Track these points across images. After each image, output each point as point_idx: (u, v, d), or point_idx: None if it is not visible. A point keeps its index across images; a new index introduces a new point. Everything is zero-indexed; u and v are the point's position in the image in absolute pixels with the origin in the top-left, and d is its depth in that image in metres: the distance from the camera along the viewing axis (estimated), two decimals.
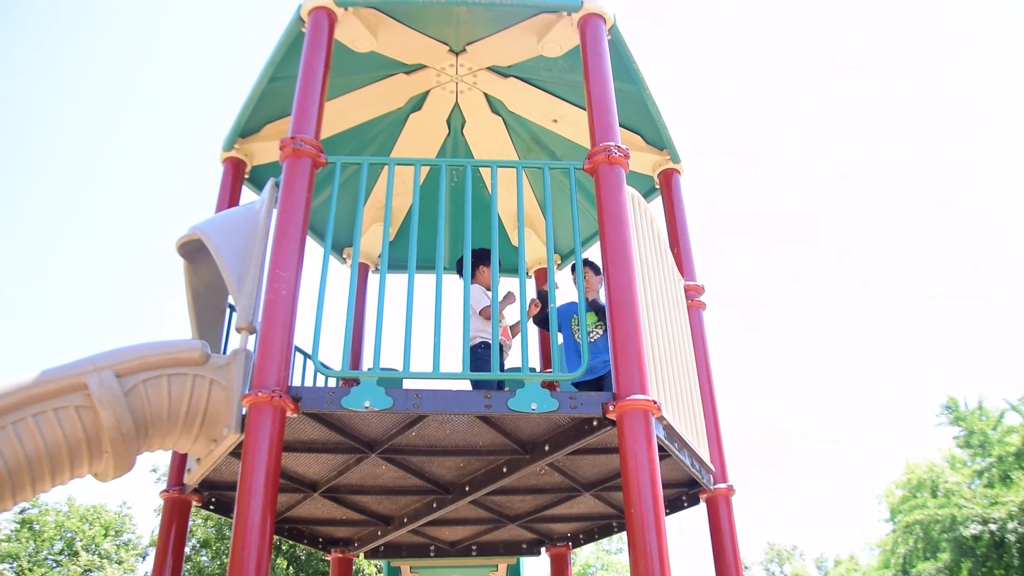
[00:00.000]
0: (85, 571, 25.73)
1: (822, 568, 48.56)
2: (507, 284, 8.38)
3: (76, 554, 25.81)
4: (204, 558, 23.08)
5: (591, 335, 5.53)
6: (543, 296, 5.99)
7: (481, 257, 5.70)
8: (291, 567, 22.20)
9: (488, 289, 5.66)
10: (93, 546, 27.26)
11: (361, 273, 7.47)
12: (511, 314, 5.86)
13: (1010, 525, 20.42)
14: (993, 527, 20.79)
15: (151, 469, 25.43)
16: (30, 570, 25.21)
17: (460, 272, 5.78)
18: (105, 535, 28.19)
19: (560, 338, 6.01)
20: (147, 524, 31.03)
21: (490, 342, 5.19)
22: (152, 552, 27.23)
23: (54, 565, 26.24)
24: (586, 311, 5.55)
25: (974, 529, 21.10)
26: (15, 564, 25.22)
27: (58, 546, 26.88)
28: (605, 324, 5.09)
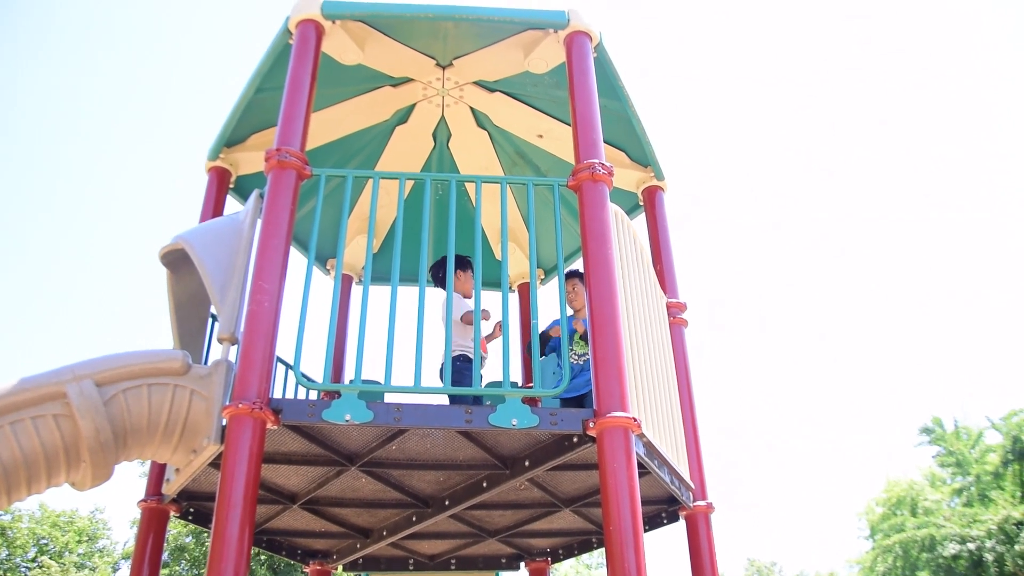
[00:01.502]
0: None
1: None
2: (489, 297, 8.40)
3: (43, 565, 25.52)
4: (183, 568, 22.85)
5: (582, 357, 5.56)
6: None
7: (460, 263, 5.71)
8: None
9: (466, 296, 5.69)
10: (67, 552, 26.99)
11: (344, 285, 7.47)
12: (487, 328, 5.85)
13: (988, 544, 20.53)
14: (971, 546, 20.89)
15: (139, 461, 25.18)
16: None
17: (435, 279, 5.80)
18: (79, 541, 27.92)
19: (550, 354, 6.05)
20: (122, 530, 30.76)
21: (470, 355, 5.21)
22: (124, 564, 27.02)
23: (25, 572, 25.96)
24: (578, 338, 5.60)
25: (953, 548, 21.20)
26: None
27: (32, 553, 26.61)
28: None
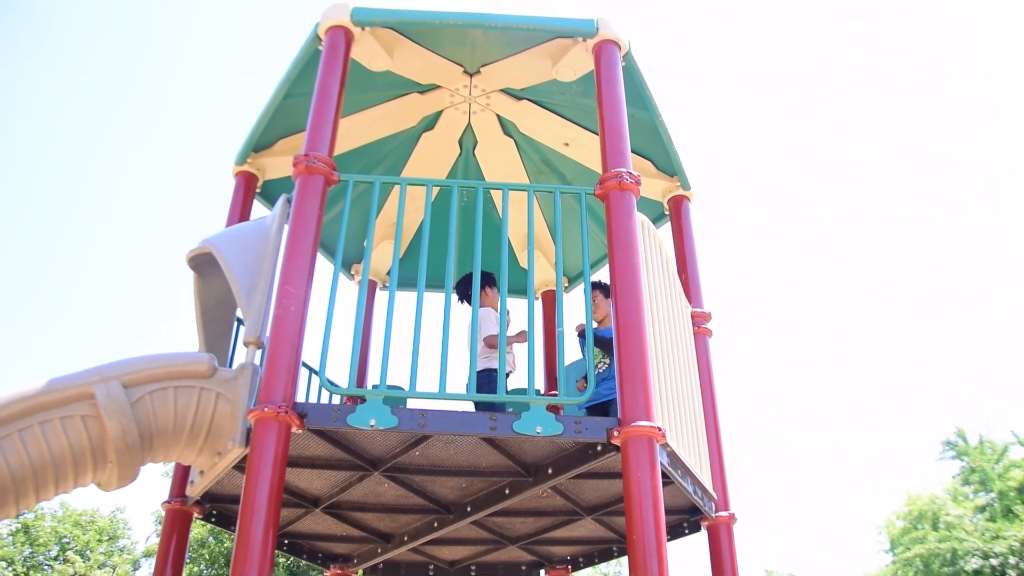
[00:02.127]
0: None
1: None
2: (514, 304, 8.41)
3: (68, 560, 25.80)
4: (202, 568, 22.92)
5: (598, 366, 5.55)
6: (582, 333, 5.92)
7: (485, 279, 5.73)
8: None
9: (495, 310, 5.69)
10: (87, 552, 27.21)
11: (369, 290, 7.49)
12: (519, 348, 5.83)
13: (1012, 560, 20.29)
14: (994, 562, 20.65)
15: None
16: (25, 574, 25.17)
17: (460, 295, 5.82)
18: (100, 541, 28.13)
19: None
20: (143, 529, 30.94)
21: (495, 368, 5.21)
22: (145, 562, 27.20)
23: (48, 569, 26.19)
24: (593, 344, 5.58)
25: (975, 563, 20.97)
26: (11, 568, 25.18)
27: (54, 551, 26.85)
28: (611, 357, 5.14)
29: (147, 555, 27.75)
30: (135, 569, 28.09)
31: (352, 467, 4.70)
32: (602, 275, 7.03)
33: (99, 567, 26.82)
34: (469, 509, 5.17)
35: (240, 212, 5.94)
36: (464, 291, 5.77)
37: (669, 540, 5.35)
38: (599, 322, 5.88)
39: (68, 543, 27.02)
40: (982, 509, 23.55)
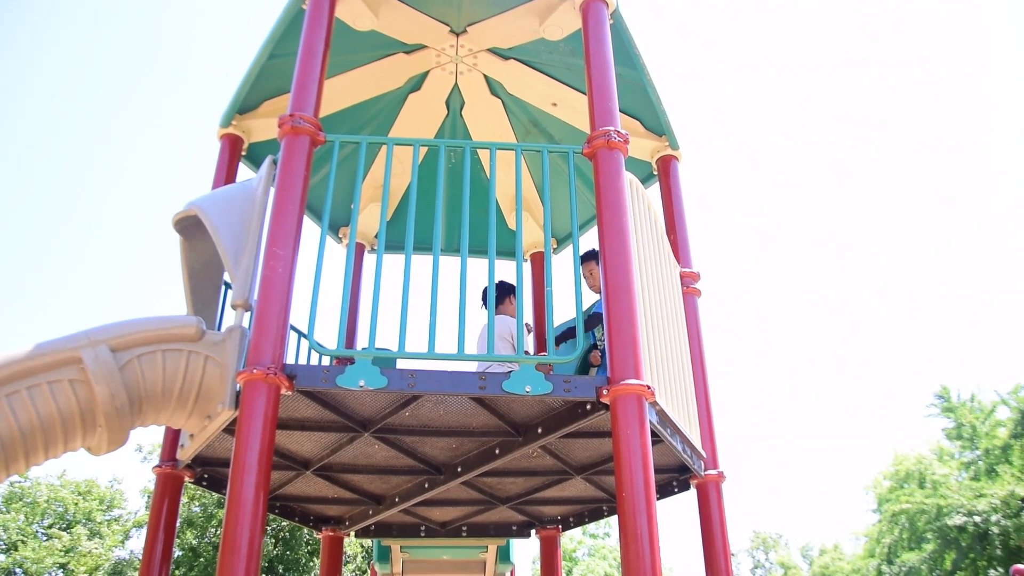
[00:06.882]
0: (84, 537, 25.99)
1: (807, 557, 48.97)
2: (504, 267, 8.42)
3: (72, 525, 26.03)
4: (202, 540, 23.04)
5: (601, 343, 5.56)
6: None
7: (508, 290, 5.98)
8: (278, 546, 22.25)
9: (512, 317, 5.84)
10: (85, 520, 27.40)
11: (357, 253, 7.46)
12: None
13: (994, 518, 20.56)
14: (978, 519, 20.92)
15: (135, 448, 25.46)
16: (15, 545, 25.31)
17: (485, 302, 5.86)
18: (100, 510, 28.35)
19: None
20: (135, 502, 31.14)
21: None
22: (137, 533, 27.40)
23: (44, 539, 26.32)
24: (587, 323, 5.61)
25: (959, 520, 21.24)
26: (4, 537, 25.32)
27: (47, 520, 27.01)
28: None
29: (138, 525, 27.94)
30: (127, 538, 28.31)
31: (342, 429, 4.71)
32: (591, 236, 7.02)
33: (97, 531, 27.04)
34: (460, 469, 5.19)
35: (225, 175, 5.87)
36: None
37: (658, 499, 5.41)
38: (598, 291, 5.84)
39: (63, 512, 27.18)
40: (967, 467, 23.82)
